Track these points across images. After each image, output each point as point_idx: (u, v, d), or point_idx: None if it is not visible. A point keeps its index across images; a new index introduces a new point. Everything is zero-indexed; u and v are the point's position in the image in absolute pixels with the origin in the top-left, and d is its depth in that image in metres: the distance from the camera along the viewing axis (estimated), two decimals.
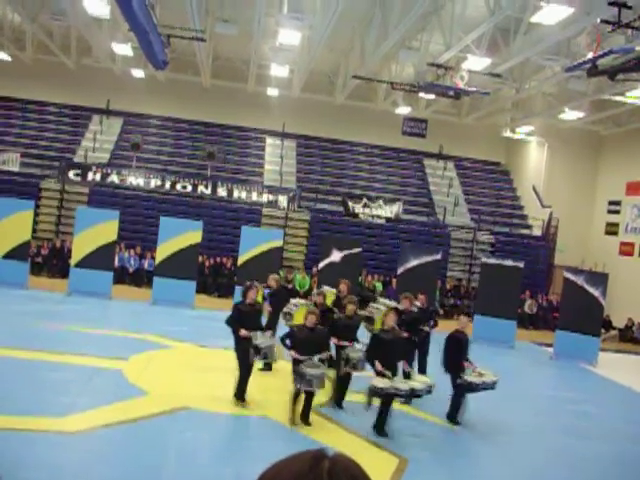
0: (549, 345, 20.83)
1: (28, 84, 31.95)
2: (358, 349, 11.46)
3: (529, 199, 32.60)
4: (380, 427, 10.44)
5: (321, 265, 21.85)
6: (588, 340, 19.69)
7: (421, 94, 25.81)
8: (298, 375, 10.28)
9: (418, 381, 10.98)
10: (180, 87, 32.09)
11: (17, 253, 20.60)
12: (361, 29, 24.16)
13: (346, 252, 21.71)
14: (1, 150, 28.76)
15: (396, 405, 12.28)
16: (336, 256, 21.63)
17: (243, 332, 10.87)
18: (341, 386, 11.77)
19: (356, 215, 29.10)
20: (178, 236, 20.81)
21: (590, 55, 16.51)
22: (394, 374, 10.42)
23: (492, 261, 22.26)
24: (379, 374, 10.35)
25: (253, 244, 21.07)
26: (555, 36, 18.40)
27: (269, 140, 33.98)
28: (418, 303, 14.19)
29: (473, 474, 9.44)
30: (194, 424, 10.16)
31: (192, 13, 20.31)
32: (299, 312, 13.03)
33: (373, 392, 10.42)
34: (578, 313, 19.83)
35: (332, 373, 11.63)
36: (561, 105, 26.90)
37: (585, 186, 31.09)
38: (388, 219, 29.22)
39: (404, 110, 31.19)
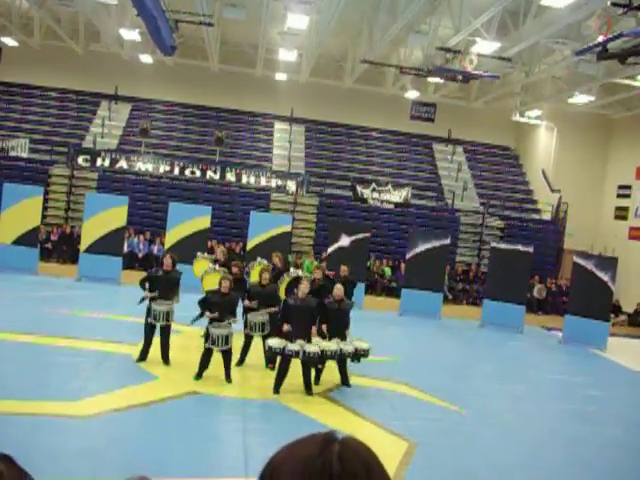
0: (558, 330, 20.82)
1: (36, 70, 31.94)
2: (259, 314, 12.32)
3: (538, 183, 32.49)
4: (275, 386, 11.09)
5: (330, 250, 21.85)
6: (597, 325, 19.65)
7: (430, 78, 25.72)
8: (206, 334, 11.29)
9: (349, 344, 11.57)
10: (188, 72, 32.03)
11: (27, 239, 20.66)
12: (369, 13, 24.03)
13: (355, 237, 21.71)
14: (10, 136, 28.80)
15: (405, 389, 12.33)
16: (345, 241, 21.64)
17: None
18: (245, 347, 12.60)
19: (365, 200, 29.05)
20: (187, 221, 20.85)
21: (600, 38, 16.40)
22: (303, 338, 11.11)
23: (501, 246, 22.21)
24: (285, 336, 11.21)
25: (262, 229, 21.07)
26: (565, 19, 18.28)
27: (277, 125, 33.91)
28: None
29: (480, 458, 9.46)
30: (204, 408, 10.21)
31: None
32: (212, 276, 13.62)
33: (268, 351, 11.35)
34: (587, 298, 19.79)
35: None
36: (571, 89, 26.74)
37: (595, 170, 30.94)
38: (397, 204, 29.17)
39: (413, 94, 31.07)
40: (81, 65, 31.41)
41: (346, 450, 1.42)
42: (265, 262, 14.99)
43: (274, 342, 11.08)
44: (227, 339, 11.21)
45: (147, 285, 12.17)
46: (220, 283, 11.64)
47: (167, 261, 12.39)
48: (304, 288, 11.47)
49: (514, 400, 12.96)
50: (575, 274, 20.71)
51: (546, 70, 25.45)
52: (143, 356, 12.06)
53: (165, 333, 12.08)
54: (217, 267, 14.30)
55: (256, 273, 13.80)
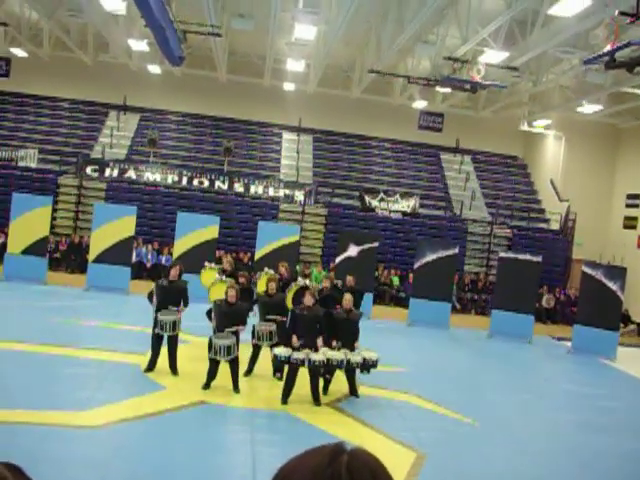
0: (567, 340, 20.74)
1: (45, 80, 32.12)
2: (266, 324, 12.35)
3: (546, 193, 32.44)
4: (283, 397, 11.08)
5: (338, 260, 21.84)
6: (606, 334, 19.56)
7: (438, 88, 25.74)
8: (210, 344, 11.24)
9: (357, 354, 11.55)
10: (196, 82, 32.15)
11: (36, 249, 20.72)
12: (377, 23, 24.08)
13: (363, 247, 21.71)
14: (19, 146, 28.92)
15: (414, 400, 12.29)
16: (353, 251, 21.63)
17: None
18: (253, 357, 12.65)
19: (373, 210, 29.06)
20: (195, 231, 20.90)
21: (608, 47, 16.37)
22: (309, 347, 11.10)
23: (509, 255, 22.17)
24: (290, 346, 11.16)
25: (270, 239, 21.10)
26: (573, 28, 18.27)
27: (285, 135, 33.97)
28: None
29: (490, 469, 9.41)
30: (212, 418, 10.20)
31: (208, 8, 20.33)
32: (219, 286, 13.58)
33: (275, 360, 11.45)
34: (596, 307, 19.73)
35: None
36: (579, 98, 26.72)
37: (603, 179, 30.88)
38: (405, 213, 29.16)
39: (420, 104, 31.11)
40: (90, 76, 31.56)
41: (355, 461, 1.42)
42: (272, 272, 15.00)
43: (280, 351, 11.10)
44: (229, 349, 11.17)
45: (154, 297, 12.19)
46: (226, 292, 11.64)
47: (173, 271, 12.38)
48: (309, 297, 11.45)
49: (524, 410, 12.90)
50: (584, 284, 20.64)
51: (554, 79, 25.44)
52: (151, 366, 12.06)
53: (172, 343, 12.09)
54: (224, 277, 14.31)
55: (263, 283, 13.82)
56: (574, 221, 30.06)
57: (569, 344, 20.27)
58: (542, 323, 24.31)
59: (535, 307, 22.09)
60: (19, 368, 11.45)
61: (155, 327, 12.01)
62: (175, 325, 11.98)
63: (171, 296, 12.15)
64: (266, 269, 15.29)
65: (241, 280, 13.48)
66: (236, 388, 11.39)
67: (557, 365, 18.91)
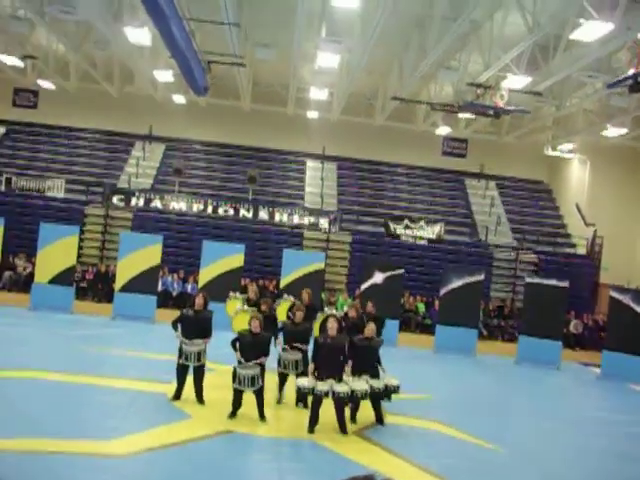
0: (596, 365, 20.48)
1: (72, 112, 32.56)
2: (292, 352, 12.25)
3: (572, 217, 32.22)
4: (309, 426, 10.94)
5: (363, 287, 21.77)
6: (636, 360, 19.26)
7: (461, 114, 25.75)
8: (234, 375, 11.16)
9: (379, 381, 11.46)
10: (221, 112, 32.44)
11: (63, 278, 20.89)
12: (399, 50, 24.20)
13: (388, 273, 21.63)
14: (46, 176, 29.27)
15: (440, 427, 12.16)
16: (378, 277, 21.56)
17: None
18: (280, 385, 12.57)
19: (398, 236, 29.01)
20: (221, 259, 20.95)
21: (631, 71, 16.33)
22: (333, 376, 10.99)
23: (536, 280, 22.00)
24: (313, 375, 11.11)
25: (295, 267, 21.11)
26: (595, 52, 18.26)
27: (309, 163, 34.11)
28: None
29: None
30: (238, 448, 10.14)
31: (231, 39, 20.55)
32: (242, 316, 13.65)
33: (298, 391, 11.40)
34: (625, 332, 19.48)
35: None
36: (603, 122, 26.62)
37: (630, 203, 30.64)
38: (430, 240, 29.07)
39: (444, 130, 31.14)
40: (116, 106, 31.95)
41: None
42: (292, 299, 14.97)
43: (303, 382, 11.06)
44: (253, 380, 11.10)
45: (179, 326, 12.20)
46: (250, 323, 11.58)
47: (199, 300, 12.38)
48: (332, 326, 11.37)
49: (553, 438, 12.71)
50: (612, 309, 20.42)
51: (577, 103, 25.38)
52: (177, 395, 12.06)
53: (198, 373, 12.06)
54: (245, 307, 14.30)
55: (283, 310, 13.77)
56: (601, 245, 29.81)
57: (598, 370, 20.02)
58: (570, 349, 24.04)
59: (563, 333, 21.86)
60: (46, 397, 11.49)
61: (180, 357, 12.01)
62: (200, 356, 11.97)
63: (196, 326, 12.12)
64: (286, 296, 15.23)
65: (263, 308, 13.41)
66: (262, 417, 11.32)
67: (586, 391, 18.65)
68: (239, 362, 11.29)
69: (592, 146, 31.03)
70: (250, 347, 11.29)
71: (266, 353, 11.43)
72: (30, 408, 10.74)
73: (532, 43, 19.02)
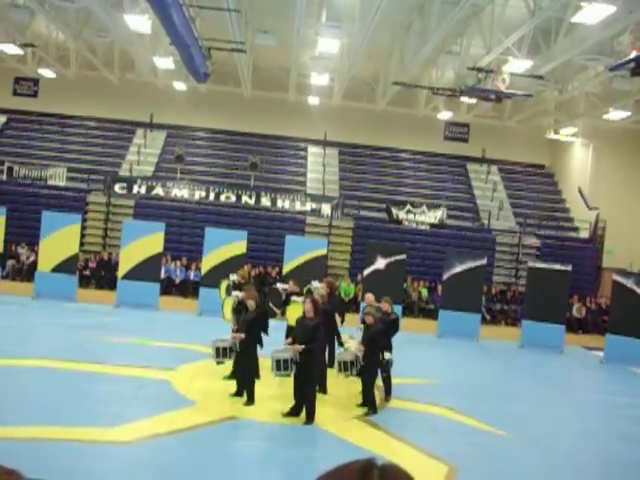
0: (599, 349, 20.51)
1: (73, 100, 32.51)
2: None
3: (575, 201, 32.16)
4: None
5: (366, 272, 21.79)
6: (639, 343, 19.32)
7: (462, 99, 25.67)
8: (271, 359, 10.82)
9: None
10: (222, 98, 32.36)
11: (66, 266, 20.92)
12: (400, 35, 24.11)
13: (391, 259, 21.62)
14: (48, 165, 29.27)
15: (445, 412, 12.18)
16: (381, 263, 21.55)
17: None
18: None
19: (400, 222, 28.99)
20: (223, 246, 20.95)
21: (634, 54, 16.27)
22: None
23: (539, 265, 22.01)
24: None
25: (298, 253, 21.12)
26: (597, 35, 18.18)
27: (311, 149, 34.05)
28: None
29: None
30: (243, 434, 10.19)
31: (232, 25, 20.48)
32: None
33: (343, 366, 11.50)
34: (628, 316, 19.49)
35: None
36: (605, 105, 26.53)
37: (632, 186, 30.57)
38: (432, 225, 29.05)
39: (446, 115, 31.06)
40: (117, 94, 31.89)
41: (386, 476, 1.41)
42: (299, 300, 14.59)
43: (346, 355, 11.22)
44: (286, 363, 10.78)
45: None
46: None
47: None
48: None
49: (557, 422, 12.75)
50: (615, 292, 20.43)
51: (580, 87, 25.29)
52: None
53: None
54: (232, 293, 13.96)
55: (293, 313, 13.04)
56: (604, 229, 29.77)
57: (601, 354, 20.04)
58: (573, 333, 24.05)
59: (566, 317, 21.88)
60: (50, 385, 11.53)
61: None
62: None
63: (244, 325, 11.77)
64: (295, 298, 14.38)
65: (244, 296, 12.42)
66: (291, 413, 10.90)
67: (590, 375, 18.70)
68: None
69: (595, 129, 30.94)
70: (296, 331, 11.14)
71: (305, 341, 10.69)
72: (35, 396, 10.79)
73: (533, 26, 18.93)
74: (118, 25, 21.69)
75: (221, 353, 11.73)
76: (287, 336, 12.09)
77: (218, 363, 11.86)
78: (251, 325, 11.53)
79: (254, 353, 11.50)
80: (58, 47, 28.72)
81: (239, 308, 12.32)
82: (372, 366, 11.46)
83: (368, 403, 11.47)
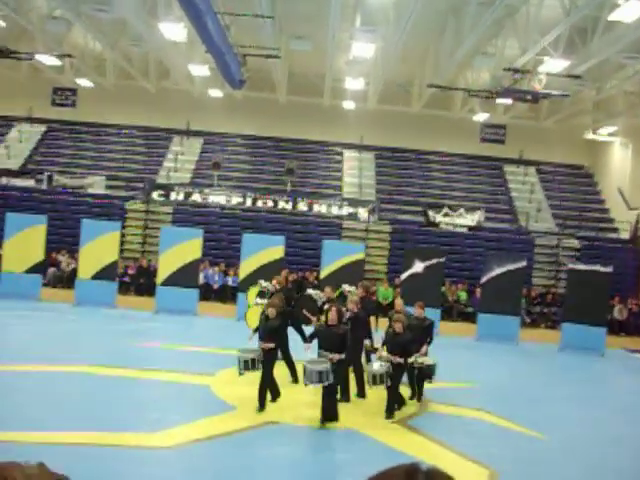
0: None
1: (110, 109, 32.89)
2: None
3: (615, 202, 31.74)
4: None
5: (404, 276, 21.71)
6: None
7: (498, 100, 25.50)
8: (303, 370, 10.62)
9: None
10: (257, 105, 32.52)
11: (105, 273, 21.16)
12: (435, 37, 24.05)
13: (428, 262, 21.52)
14: (87, 174, 29.63)
15: (484, 415, 12.08)
16: (418, 267, 21.47)
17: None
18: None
19: (437, 225, 28.86)
20: (261, 251, 21.02)
21: None
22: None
23: (579, 267, 21.76)
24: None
25: (335, 257, 21.12)
26: (634, 33, 17.95)
27: (347, 153, 34.05)
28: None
29: None
30: (284, 439, 10.19)
31: (267, 31, 20.58)
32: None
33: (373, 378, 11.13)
34: None
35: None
36: None
37: None
38: (470, 227, 28.88)
39: (482, 117, 30.88)
40: (153, 102, 32.22)
41: None
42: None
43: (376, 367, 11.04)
44: (320, 375, 10.43)
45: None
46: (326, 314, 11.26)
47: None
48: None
49: (599, 426, 12.57)
50: None
51: (618, 86, 24.99)
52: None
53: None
54: (258, 300, 13.90)
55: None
56: None
57: None
58: (615, 335, 23.72)
59: (607, 319, 21.59)
60: (92, 391, 11.65)
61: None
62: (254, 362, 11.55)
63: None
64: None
65: (276, 301, 12.20)
66: (324, 419, 10.73)
67: (632, 378, 18.41)
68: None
69: (634, 128, 30.51)
70: (322, 339, 10.93)
71: (339, 350, 10.67)
72: (75, 402, 10.92)
73: (569, 26, 18.75)
74: (153, 34, 21.93)
75: (242, 365, 11.36)
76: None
77: (241, 374, 11.62)
78: (275, 333, 11.47)
79: (289, 357, 11.50)
80: (95, 57, 29.13)
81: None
82: (399, 370, 11.35)
83: (389, 406, 11.33)
